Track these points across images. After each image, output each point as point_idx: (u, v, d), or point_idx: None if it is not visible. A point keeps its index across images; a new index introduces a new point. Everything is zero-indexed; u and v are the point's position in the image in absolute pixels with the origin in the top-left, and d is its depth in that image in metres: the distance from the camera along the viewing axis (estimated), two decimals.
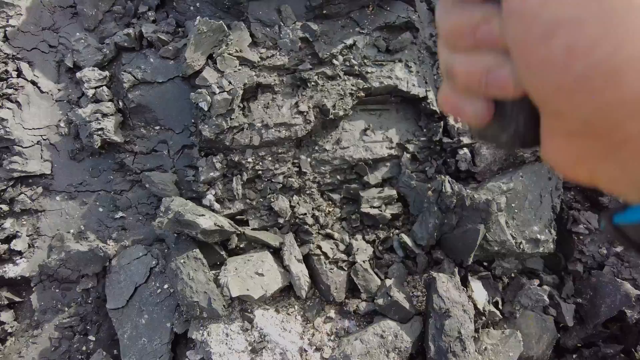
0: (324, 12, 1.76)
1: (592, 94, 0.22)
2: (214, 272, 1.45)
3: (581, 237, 1.80)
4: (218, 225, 1.39)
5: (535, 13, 0.24)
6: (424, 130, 1.82)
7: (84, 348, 1.54)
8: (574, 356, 1.72)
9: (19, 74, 1.63)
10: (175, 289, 1.37)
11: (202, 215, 1.41)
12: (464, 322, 1.40)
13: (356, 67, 1.75)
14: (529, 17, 0.24)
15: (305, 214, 1.59)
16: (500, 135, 0.29)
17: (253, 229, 1.55)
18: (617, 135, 0.22)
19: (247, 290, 1.37)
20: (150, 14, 1.80)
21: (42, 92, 1.67)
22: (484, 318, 1.53)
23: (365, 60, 1.78)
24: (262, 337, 1.38)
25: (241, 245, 1.54)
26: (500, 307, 1.70)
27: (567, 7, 0.23)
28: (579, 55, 0.22)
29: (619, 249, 1.77)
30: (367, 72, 1.76)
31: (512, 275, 1.78)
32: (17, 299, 1.52)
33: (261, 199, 1.64)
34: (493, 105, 0.29)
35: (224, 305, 1.36)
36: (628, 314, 1.65)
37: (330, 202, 1.68)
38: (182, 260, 1.39)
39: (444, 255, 1.62)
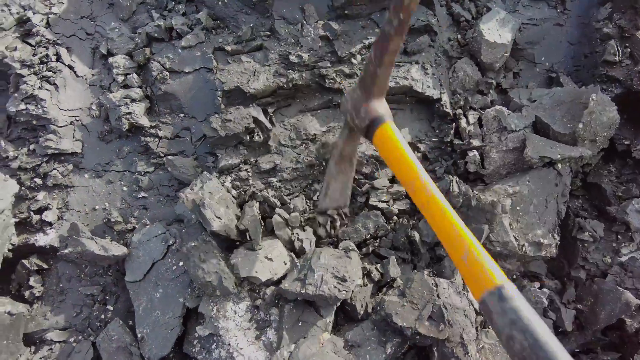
0: (346, 12, 1.83)
1: None
2: (226, 254, 1.54)
3: (586, 244, 1.82)
4: (227, 233, 1.49)
5: None
6: (436, 131, 1.87)
7: (102, 316, 1.66)
8: None
9: (58, 58, 1.75)
10: (189, 271, 1.46)
11: (219, 218, 1.50)
12: (466, 327, 1.43)
13: None
14: None
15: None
16: None
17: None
18: None
19: (256, 272, 1.46)
20: (180, 7, 1.90)
21: (77, 76, 1.79)
22: (481, 317, 1.58)
23: None
24: (268, 316, 1.47)
25: None
26: None
27: None
28: None
29: (623, 258, 1.78)
30: None
31: (514, 277, 1.82)
32: (45, 266, 1.65)
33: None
34: None
35: (235, 283, 1.45)
36: (627, 323, 1.67)
37: None
38: (192, 244, 1.48)
39: (447, 253, 1.67)
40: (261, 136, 1.70)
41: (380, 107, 1.14)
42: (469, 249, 0.76)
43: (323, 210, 1.50)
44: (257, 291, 1.53)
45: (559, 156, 1.67)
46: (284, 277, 1.52)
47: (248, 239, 1.54)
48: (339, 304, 1.44)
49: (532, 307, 0.68)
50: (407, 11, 0.96)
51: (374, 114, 1.12)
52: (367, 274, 1.56)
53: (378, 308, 1.45)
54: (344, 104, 1.24)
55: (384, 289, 1.54)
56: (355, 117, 1.17)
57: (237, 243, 1.58)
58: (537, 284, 1.78)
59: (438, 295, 1.43)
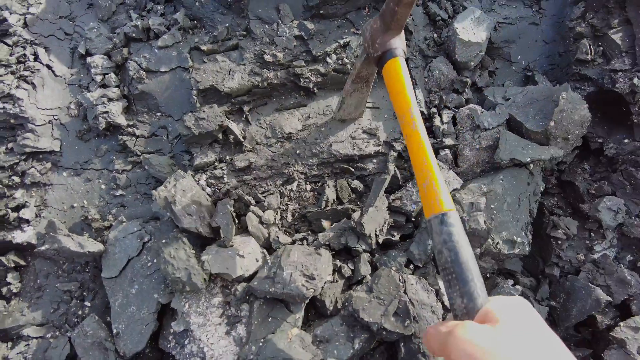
0: (321, 12, 1.85)
1: None
2: (198, 251, 1.56)
3: (559, 242, 1.84)
4: (198, 230, 1.52)
5: None
6: None
7: (80, 312, 1.68)
8: None
9: (36, 58, 1.77)
10: (159, 267, 1.49)
11: (190, 215, 1.52)
12: (433, 323, 1.44)
13: (348, 66, 1.83)
14: None
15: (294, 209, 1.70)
16: None
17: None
18: None
19: (227, 268, 1.48)
20: (159, 7, 1.92)
21: (56, 75, 1.81)
22: (450, 314, 1.59)
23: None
24: (238, 312, 1.49)
25: None
26: None
27: None
28: None
29: (596, 255, 1.80)
30: None
31: (488, 275, 1.83)
32: (22, 263, 1.67)
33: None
34: None
35: (204, 279, 1.47)
36: (598, 319, 1.69)
37: (314, 193, 1.77)
38: (163, 241, 1.51)
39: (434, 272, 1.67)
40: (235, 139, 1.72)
41: (395, 41, 1.23)
42: (431, 179, 0.94)
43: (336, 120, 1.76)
44: (228, 287, 1.55)
45: (528, 159, 1.69)
46: (255, 273, 1.54)
47: (220, 236, 1.56)
48: (307, 301, 1.46)
49: (466, 239, 0.86)
50: None
51: (387, 47, 1.21)
52: (337, 270, 1.58)
53: (346, 304, 1.47)
54: (364, 32, 1.33)
55: (354, 286, 1.56)
56: (370, 46, 1.27)
57: (210, 240, 1.60)
58: (510, 281, 1.80)
59: (405, 292, 1.45)
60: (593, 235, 1.82)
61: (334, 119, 1.80)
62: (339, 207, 1.69)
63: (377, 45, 1.23)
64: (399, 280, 1.47)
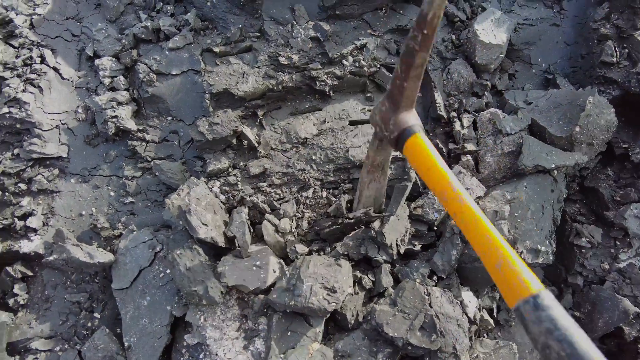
0: (337, 13, 1.79)
1: None
2: (214, 262, 1.50)
3: (583, 250, 1.78)
4: (214, 240, 1.46)
5: None
6: (430, 134, 1.83)
7: (89, 324, 1.62)
8: None
9: (42, 60, 1.71)
10: (174, 279, 1.43)
11: (206, 224, 1.46)
12: (459, 337, 1.38)
13: (365, 69, 1.77)
14: None
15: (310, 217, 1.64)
16: None
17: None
18: None
19: (244, 280, 1.42)
20: (169, 7, 1.86)
21: (63, 78, 1.75)
22: (475, 326, 1.53)
23: (375, 62, 1.80)
24: (256, 325, 1.43)
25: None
26: (495, 315, 1.70)
27: None
28: None
29: (622, 264, 1.74)
30: (376, 74, 1.78)
31: None
32: (29, 273, 1.61)
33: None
34: None
35: (221, 292, 1.41)
36: (626, 331, 1.64)
37: (330, 201, 1.71)
38: (178, 252, 1.44)
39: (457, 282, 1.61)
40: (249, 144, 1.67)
41: (410, 118, 1.14)
42: (504, 258, 0.78)
43: (358, 217, 1.56)
44: (245, 300, 1.49)
45: (553, 165, 1.63)
46: (273, 285, 1.48)
47: (236, 246, 1.50)
48: (328, 315, 1.40)
49: (571, 320, 0.69)
50: (431, 27, 0.96)
51: (403, 126, 1.12)
52: (358, 282, 1.52)
53: (369, 317, 1.42)
54: (373, 117, 1.24)
55: (375, 298, 1.51)
56: (384, 129, 1.18)
57: (226, 250, 1.54)
58: None
59: (430, 305, 1.39)
60: (618, 243, 1.76)
61: (353, 217, 1.58)
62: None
63: (392, 127, 1.13)
64: (424, 293, 1.41)
